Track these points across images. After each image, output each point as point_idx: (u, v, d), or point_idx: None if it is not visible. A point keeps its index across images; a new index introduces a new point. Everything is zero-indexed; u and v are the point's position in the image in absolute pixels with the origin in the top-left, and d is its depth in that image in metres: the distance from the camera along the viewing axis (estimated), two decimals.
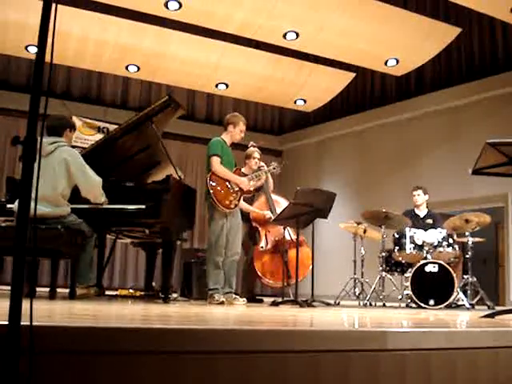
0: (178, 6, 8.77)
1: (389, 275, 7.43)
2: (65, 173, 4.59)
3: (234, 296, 5.61)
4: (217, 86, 11.67)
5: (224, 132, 5.84)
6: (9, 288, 1.51)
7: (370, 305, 7.12)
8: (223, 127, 5.88)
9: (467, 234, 6.99)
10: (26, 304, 1.49)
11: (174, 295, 6.26)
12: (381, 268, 7.25)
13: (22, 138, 1.60)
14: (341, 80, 11.71)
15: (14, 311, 1.46)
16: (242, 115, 5.96)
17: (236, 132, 5.78)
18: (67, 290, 4.68)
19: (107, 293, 6.24)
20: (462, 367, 2.27)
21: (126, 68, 10.89)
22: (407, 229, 6.91)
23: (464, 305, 6.71)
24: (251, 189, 5.87)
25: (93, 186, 4.74)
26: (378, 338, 2.11)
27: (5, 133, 10.98)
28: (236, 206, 5.65)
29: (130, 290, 6.56)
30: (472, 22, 9.96)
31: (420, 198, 7.52)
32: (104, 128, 11.13)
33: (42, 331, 1.56)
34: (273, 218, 6.40)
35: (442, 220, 7.30)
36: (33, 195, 1.56)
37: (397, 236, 7.03)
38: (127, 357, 1.66)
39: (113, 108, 11.90)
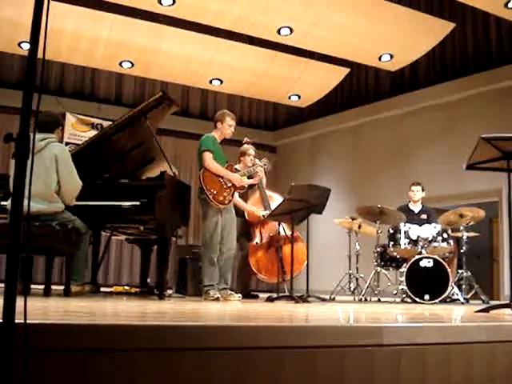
0: (171, 1, 8.74)
1: (384, 270, 7.44)
2: (55, 169, 4.57)
3: (229, 292, 5.61)
4: (211, 81, 11.64)
5: (214, 129, 5.85)
6: (3, 285, 1.50)
7: (365, 300, 7.13)
8: (213, 124, 5.89)
9: (462, 228, 7.01)
10: (20, 301, 1.49)
11: (169, 292, 6.26)
12: (376, 263, 7.26)
13: (15, 134, 1.59)
14: (335, 75, 11.71)
15: (8, 308, 1.45)
16: (235, 111, 5.98)
17: (224, 127, 5.79)
18: (62, 287, 4.67)
19: (102, 290, 6.24)
20: (457, 362, 2.27)
21: (120, 64, 10.85)
22: (402, 224, 6.92)
23: (459, 299, 6.74)
24: (245, 185, 5.88)
25: (72, 189, 4.71)
26: (374, 334, 2.11)
27: None
28: (230, 201, 5.66)
29: (125, 287, 6.55)
30: (466, 17, 9.97)
31: (418, 194, 7.53)
32: (98, 124, 11.07)
33: (37, 328, 1.56)
34: (267, 214, 6.40)
35: (436, 215, 7.32)
36: (26, 192, 1.56)
37: (391, 231, 7.03)
38: (123, 354, 1.66)
39: (107, 104, 11.86)
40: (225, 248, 5.64)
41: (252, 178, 6.19)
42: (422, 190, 7.56)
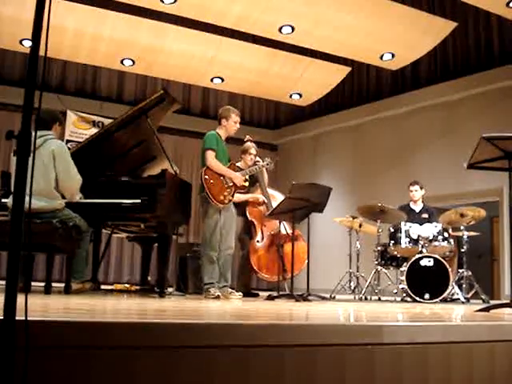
0: None
1: (384, 269, 7.45)
2: (53, 165, 4.57)
3: (229, 290, 5.60)
4: (212, 80, 11.64)
5: (218, 126, 5.81)
6: (4, 283, 1.50)
7: (366, 299, 7.13)
8: (218, 122, 5.86)
9: (462, 228, 7.02)
10: (20, 299, 1.49)
11: (170, 290, 6.26)
12: (376, 262, 7.27)
13: (16, 132, 1.60)
14: (336, 74, 11.70)
15: (9, 306, 1.45)
16: (236, 108, 5.94)
17: (230, 124, 5.74)
18: (62, 285, 4.68)
19: (103, 287, 6.24)
20: (457, 361, 2.27)
21: (122, 62, 10.85)
22: (403, 223, 6.92)
23: (459, 299, 6.74)
24: (245, 184, 5.86)
25: (72, 184, 4.71)
26: (374, 332, 2.11)
27: None
28: (230, 201, 5.63)
29: (126, 285, 6.55)
30: (468, 16, 9.97)
31: (417, 193, 7.52)
32: (99, 122, 11.06)
33: (37, 326, 1.56)
34: (268, 211, 6.40)
35: (437, 214, 7.32)
36: (27, 190, 1.56)
37: (392, 230, 7.03)
38: (123, 351, 1.66)
39: (108, 102, 11.87)
40: (223, 246, 5.61)
41: (254, 177, 6.17)
42: (421, 188, 7.55)
